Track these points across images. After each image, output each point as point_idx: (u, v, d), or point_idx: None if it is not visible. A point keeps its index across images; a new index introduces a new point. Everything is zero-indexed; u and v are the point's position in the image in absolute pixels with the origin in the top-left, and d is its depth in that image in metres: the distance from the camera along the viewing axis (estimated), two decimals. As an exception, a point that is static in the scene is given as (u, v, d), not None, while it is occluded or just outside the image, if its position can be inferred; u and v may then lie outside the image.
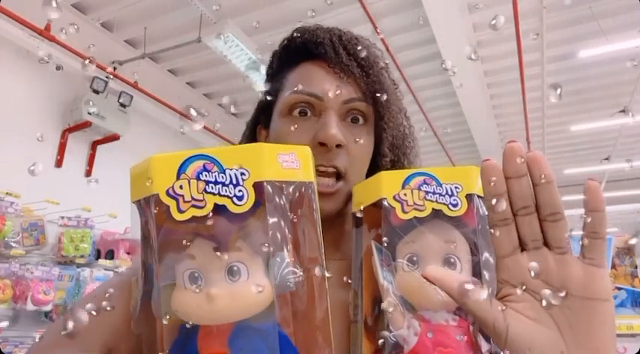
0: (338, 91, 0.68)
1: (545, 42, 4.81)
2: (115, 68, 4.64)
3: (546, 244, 0.45)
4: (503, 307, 0.44)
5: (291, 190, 0.46)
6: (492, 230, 0.45)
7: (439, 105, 6.19)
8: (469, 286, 0.44)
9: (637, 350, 2.20)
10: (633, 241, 3.00)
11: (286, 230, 0.45)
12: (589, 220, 0.43)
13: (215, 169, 0.43)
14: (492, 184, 0.44)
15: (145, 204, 0.45)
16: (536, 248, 0.45)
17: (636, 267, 3.25)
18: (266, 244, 0.43)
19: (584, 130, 6.90)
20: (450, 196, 0.53)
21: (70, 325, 0.48)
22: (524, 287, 0.45)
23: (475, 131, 6.83)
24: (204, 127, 5.66)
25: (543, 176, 0.43)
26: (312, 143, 0.67)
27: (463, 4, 4.33)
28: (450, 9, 4.15)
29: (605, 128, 6.66)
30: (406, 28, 4.58)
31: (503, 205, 0.44)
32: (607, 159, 7.54)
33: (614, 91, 5.69)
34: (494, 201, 0.45)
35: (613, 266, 3.28)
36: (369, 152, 0.73)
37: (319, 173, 0.66)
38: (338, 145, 0.66)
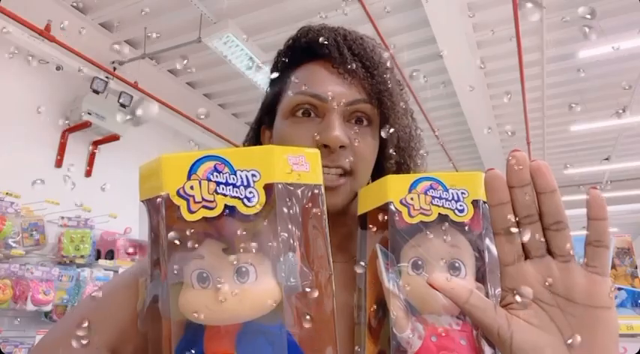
0: (342, 95, 0.68)
1: (545, 42, 4.81)
2: (114, 68, 4.63)
3: (550, 252, 0.45)
4: (508, 315, 0.45)
5: (300, 192, 0.46)
6: (496, 239, 0.46)
7: (439, 105, 6.19)
8: (473, 294, 0.45)
9: (637, 350, 2.20)
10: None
11: (295, 232, 0.45)
12: (592, 228, 0.43)
13: (226, 170, 0.43)
14: (496, 193, 0.45)
15: (155, 203, 0.44)
16: (540, 257, 0.45)
17: (636, 267, 3.25)
18: (275, 246, 0.43)
19: (584, 130, 6.90)
20: (457, 202, 0.54)
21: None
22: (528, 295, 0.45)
23: (475, 131, 6.84)
24: (204, 128, 5.67)
25: (547, 186, 0.44)
26: (315, 145, 0.66)
27: (463, 4, 4.33)
28: (450, 9, 4.15)
29: (605, 128, 6.66)
30: (406, 28, 4.59)
31: (507, 215, 0.45)
32: (607, 159, 7.55)
33: (614, 91, 5.69)
34: (497, 210, 0.45)
35: (613, 266, 3.27)
36: (374, 153, 0.72)
37: (324, 172, 0.65)
38: (342, 147, 0.66)
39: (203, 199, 0.42)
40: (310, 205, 0.47)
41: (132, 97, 4.65)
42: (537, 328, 0.44)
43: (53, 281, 3.57)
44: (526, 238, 0.45)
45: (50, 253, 3.84)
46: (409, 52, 4.95)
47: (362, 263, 0.58)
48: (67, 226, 3.89)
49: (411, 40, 4.76)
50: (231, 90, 5.80)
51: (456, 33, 4.48)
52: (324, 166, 0.64)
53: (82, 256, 3.90)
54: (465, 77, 5.29)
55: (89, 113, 4.29)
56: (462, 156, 8.01)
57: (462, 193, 0.54)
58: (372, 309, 0.56)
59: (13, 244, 3.44)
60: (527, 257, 0.46)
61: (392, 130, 0.72)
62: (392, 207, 0.54)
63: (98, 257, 4.11)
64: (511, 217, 0.45)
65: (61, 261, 3.88)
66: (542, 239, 0.45)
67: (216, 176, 0.43)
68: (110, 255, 4.20)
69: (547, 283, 0.44)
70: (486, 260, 0.52)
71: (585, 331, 0.43)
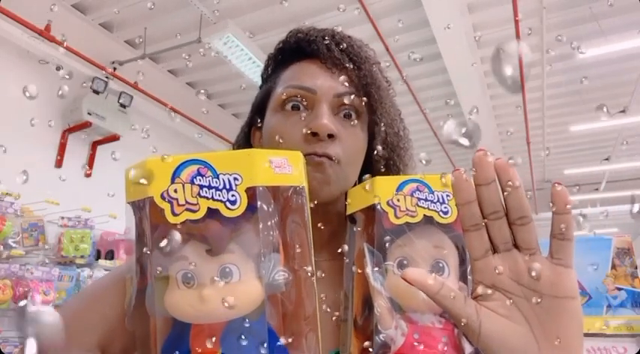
0: (330, 87, 0.69)
1: (545, 42, 4.81)
2: (115, 68, 4.64)
3: (516, 246, 0.47)
4: (477, 306, 0.46)
5: (283, 194, 0.47)
6: (465, 235, 0.47)
7: (439, 105, 6.19)
8: (444, 287, 0.46)
9: (637, 350, 2.19)
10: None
11: (278, 233, 0.46)
12: (556, 222, 0.45)
13: (209, 173, 0.44)
14: (463, 192, 0.46)
15: (140, 205, 0.46)
16: (507, 250, 0.47)
17: (636, 267, 3.24)
18: (257, 247, 0.44)
19: (584, 130, 6.90)
20: (442, 204, 0.56)
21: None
22: (494, 287, 0.47)
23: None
24: (205, 128, 5.68)
25: (510, 182, 0.45)
26: (304, 133, 0.67)
27: (463, 4, 4.34)
28: (450, 9, 4.16)
29: (605, 128, 6.66)
30: (406, 28, 4.59)
31: (475, 212, 0.46)
32: (607, 159, 7.55)
33: (614, 91, 5.69)
34: (465, 208, 0.46)
35: (613, 266, 3.27)
36: (363, 147, 0.73)
37: (311, 159, 0.65)
38: (330, 136, 0.66)
39: (186, 202, 0.44)
40: (293, 206, 0.48)
41: (132, 97, 4.66)
42: (505, 318, 0.46)
43: (53, 281, 3.58)
44: (493, 233, 0.46)
45: (50, 253, 3.85)
46: (409, 52, 4.95)
47: (350, 262, 0.59)
48: (67, 226, 3.90)
49: (411, 40, 4.77)
50: (231, 90, 5.81)
51: (456, 33, 4.48)
52: (312, 154, 0.65)
53: (82, 256, 3.91)
54: (465, 78, 5.28)
55: (89, 113, 4.30)
56: (461, 156, 8.01)
57: (447, 195, 0.56)
58: (358, 306, 0.58)
59: (13, 244, 3.45)
60: (495, 251, 0.47)
61: (379, 122, 0.73)
62: (379, 208, 0.55)
63: (98, 257, 4.12)
64: (478, 214, 0.46)
65: (61, 261, 3.89)
66: (509, 234, 0.46)
67: (200, 180, 0.44)
68: (110, 255, 4.21)
69: (498, 272, 0.46)
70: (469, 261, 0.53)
71: (551, 320, 0.45)
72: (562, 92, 5.93)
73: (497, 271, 0.46)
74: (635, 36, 4.30)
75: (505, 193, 0.45)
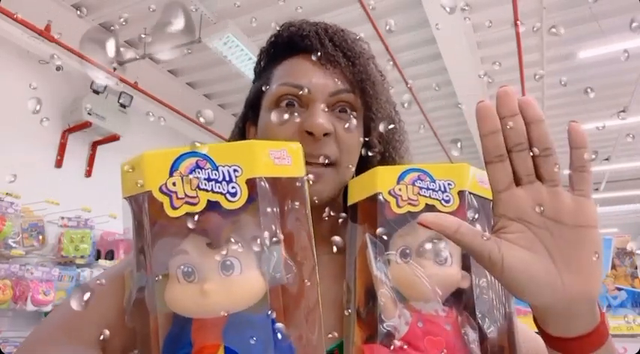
0: (325, 86, 0.69)
1: (545, 42, 4.80)
2: (115, 68, 4.64)
3: (539, 178, 0.47)
4: (497, 239, 0.46)
5: (283, 185, 0.47)
6: (489, 168, 0.47)
7: (439, 105, 6.18)
8: (462, 224, 0.46)
9: (637, 350, 2.19)
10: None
11: (278, 225, 0.46)
12: (575, 156, 0.46)
13: (208, 166, 0.44)
14: (488, 122, 0.46)
15: (138, 200, 0.45)
16: (530, 182, 0.47)
17: (636, 267, 3.24)
18: (259, 239, 0.44)
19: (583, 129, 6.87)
20: (443, 192, 0.56)
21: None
22: (517, 219, 0.47)
23: (475, 131, 6.81)
24: (205, 128, 5.67)
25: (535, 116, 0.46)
26: (299, 132, 0.67)
27: (463, 5, 4.32)
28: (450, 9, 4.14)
29: (605, 128, 6.65)
30: (406, 28, 4.58)
31: (499, 143, 0.46)
32: (607, 159, 7.54)
33: (614, 91, 5.68)
34: (489, 139, 0.47)
35: (613, 266, 3.27)
36: (359, 142, 0.73)
37: (308, 164, 0.65)
38: (326, 135, 0.66)
39: (186, 195, 0.43)
40: (293, 198, 0.47)
41: (132, 97, 4.65)
42: (527, 250, 0.45)
43: (53, 281, 3.57)
44: (517, 165, 0.47)
45: (50, 254, 3.84)
46: (409, 52, 4.94)
47: (352, 252, 0.59)
48: (67, 227, 3.89)
49: (411, 40, 4.76)
50: (231, 90, 5.80)
51: (456, 33, 4.48)
52: (308, 155, 0.64)
53: (82, 257, 3.90)
54: (465, 77, 5.27)
55: (89, 113, 4.30)
56: (462, 156, 7.97)
57: (449, 184, 0.56)
58: (361, 297, 0.57)
59: (13, 245, 3.44)
60: (517, 184, 0.47)
61: (375, 117, 0.72)
62: (381, 197, 0.55)
63: (98, 257, 4.12)
64: (502, 145, 0.46)
65: (61, 261, 3.89)
66: (532, 166, 0.47)
67: (198, 172, 0.44)
68: (110, 255, 4.20)
69: (539, 207, 0.46)
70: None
71: (572, 249, 0.45)
72: (562, 92, 5.92)
73: (522, 203, 0.46)
74: (635, 36, 4.29)
75: (528, 127, 0.46)
